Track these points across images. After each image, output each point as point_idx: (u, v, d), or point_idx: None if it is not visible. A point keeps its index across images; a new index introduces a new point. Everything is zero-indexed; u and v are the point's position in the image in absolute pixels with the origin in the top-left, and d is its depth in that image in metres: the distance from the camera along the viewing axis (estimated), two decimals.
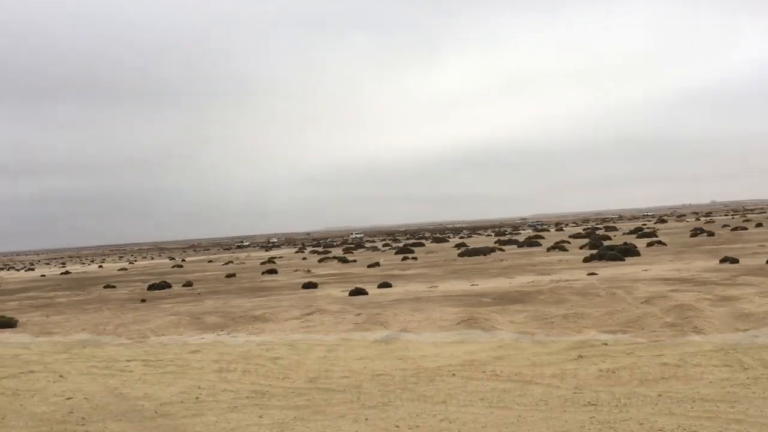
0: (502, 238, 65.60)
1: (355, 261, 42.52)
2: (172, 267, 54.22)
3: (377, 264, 36.95)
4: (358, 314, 15.83)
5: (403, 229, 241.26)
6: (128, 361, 10.56)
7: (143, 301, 24.29)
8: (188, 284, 30.68)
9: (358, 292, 21.66)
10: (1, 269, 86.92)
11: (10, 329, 18.24)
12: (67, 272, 57.13)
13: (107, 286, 34.78)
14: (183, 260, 70.78)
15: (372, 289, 22.43)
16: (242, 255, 77.05)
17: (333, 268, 38.42)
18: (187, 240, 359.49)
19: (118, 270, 56.46)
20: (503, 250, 43.68)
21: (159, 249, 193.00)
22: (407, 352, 10.37)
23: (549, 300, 15.99)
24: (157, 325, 16.63)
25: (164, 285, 29.88)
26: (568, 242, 45.67)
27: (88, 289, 35.06)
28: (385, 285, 23.92)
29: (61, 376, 9.53)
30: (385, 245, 72.28)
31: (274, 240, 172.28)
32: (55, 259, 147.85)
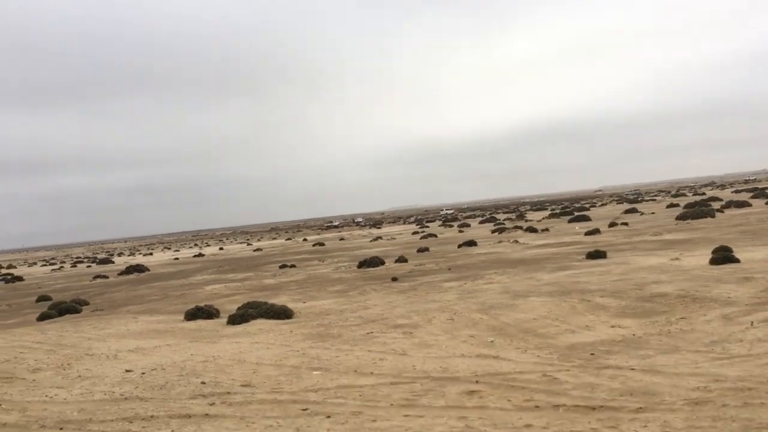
0: (674, 201, 57.76)
1: (547, 230, 36.37)
2: (313, 245, 49.66)
3: (597, 230, 30.70)
4: None
5: (476, 205, 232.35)
6: None
7: (394, 279, 19.09)
8: (402, 259, 25.38)
9: (726, 259, 15.64)
10: (110, 255, 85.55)
11: (287, 320, 13.22)
12: (200, 254, 53.63)
13: (284, 266, 30.10)
14: (305, 239, 66.53)
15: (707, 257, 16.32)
16: (362, 232, 72.26)
17: (537, 238, 32.37)
18: (262, 224, 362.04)
19: (254, 251, 52.44)
20: (723, 212, 36.65)
21: (242, 233, 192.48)
22: None
23: None
24: (535, 311, 11.14)
25: (377, 261, 24.73)
26: None
27: (263, 268, 30.44)
28: (725, 249, 17.78)
29: None
30: (518, 217, 65.50)
31: (359, 219, 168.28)
32: (147, 245, 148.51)
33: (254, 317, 13.42)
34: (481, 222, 60.85)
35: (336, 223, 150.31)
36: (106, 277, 37.06)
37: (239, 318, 13.37)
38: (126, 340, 12.37)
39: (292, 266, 29.78)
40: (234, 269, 33.15)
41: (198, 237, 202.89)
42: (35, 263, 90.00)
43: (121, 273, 38.70)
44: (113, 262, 62.08)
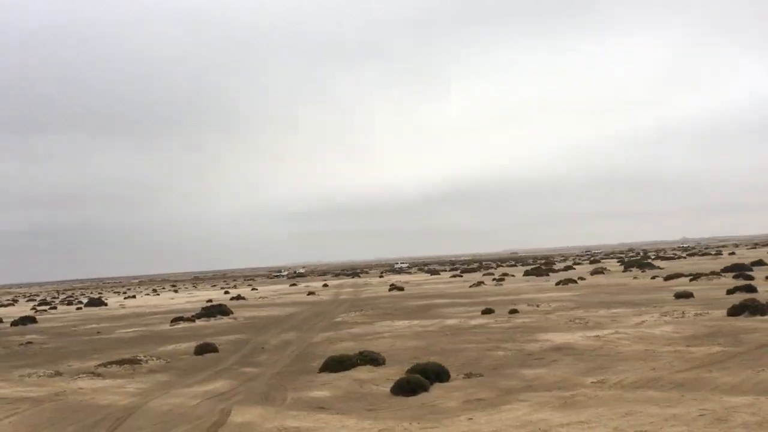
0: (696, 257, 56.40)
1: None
2: (390, 290, 43.80)
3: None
4: None
5: (414, 262, 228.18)
6: None
7: None
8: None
9: None
10: (99, 296, 73.69)
11: None
12: (239, 296, 45.95)
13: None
14: (369, 281, 59.78)
15: None
16: (400, 278, 66.35)
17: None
18: (175, 273, 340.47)
19: (308, 294, 45.55)
20: None
21: (163, 281, 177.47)
22: None
23: None
24: None
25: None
26: None
27: (430, 313, 24.78)
28: None
29: None
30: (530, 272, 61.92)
31: (302, 270, 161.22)
32: (70, 291, 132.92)
33: None
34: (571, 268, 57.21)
35: (284, 273, 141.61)
36: (192, 321, 29.67)
37: None
38: None
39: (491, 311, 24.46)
40: (394, 313, 27.15)
41: (117, 284, 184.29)
42: None
43: (199, 315, 31.19)
44: (106, 304, 52.43)
